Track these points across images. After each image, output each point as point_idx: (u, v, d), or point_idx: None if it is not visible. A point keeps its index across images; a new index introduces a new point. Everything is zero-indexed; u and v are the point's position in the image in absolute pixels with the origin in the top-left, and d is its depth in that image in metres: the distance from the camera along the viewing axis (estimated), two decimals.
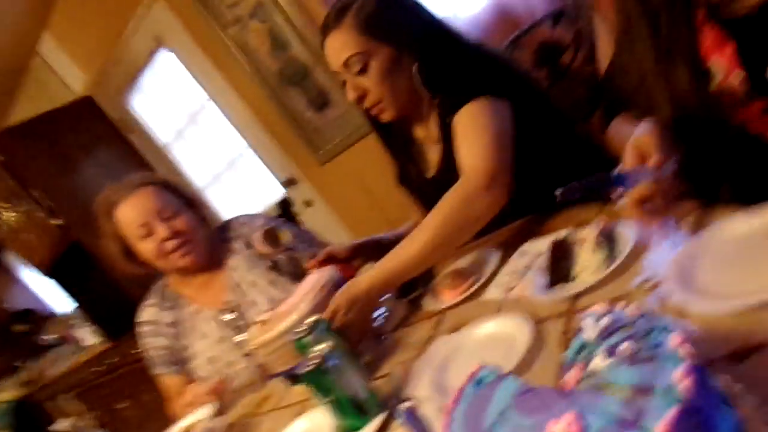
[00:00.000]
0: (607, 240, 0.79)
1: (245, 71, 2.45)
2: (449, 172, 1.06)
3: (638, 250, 0.73)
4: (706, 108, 0.73)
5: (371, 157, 1.66)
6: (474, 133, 1.01)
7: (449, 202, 0.97)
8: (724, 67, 0.71)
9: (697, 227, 0.70)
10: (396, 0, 1.13)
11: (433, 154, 1.20)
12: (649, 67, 0.75)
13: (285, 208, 2.75)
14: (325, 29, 1.12)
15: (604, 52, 0.89)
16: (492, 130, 1.01)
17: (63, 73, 3.21)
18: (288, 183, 2.75)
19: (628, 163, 0.70)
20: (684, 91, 0.72)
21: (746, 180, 0.76)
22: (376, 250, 1.24)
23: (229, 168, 3.08)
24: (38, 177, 2.91)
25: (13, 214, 3.20)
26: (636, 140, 0.71)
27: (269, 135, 2.63)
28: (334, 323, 0.94)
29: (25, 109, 3.55)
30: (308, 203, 2.75)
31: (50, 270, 3.50)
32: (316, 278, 1.08)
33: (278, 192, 2.85)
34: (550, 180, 0.83)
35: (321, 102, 2.36)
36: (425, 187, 1.22)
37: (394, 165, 1.30)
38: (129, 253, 1.36)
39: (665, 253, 0.68)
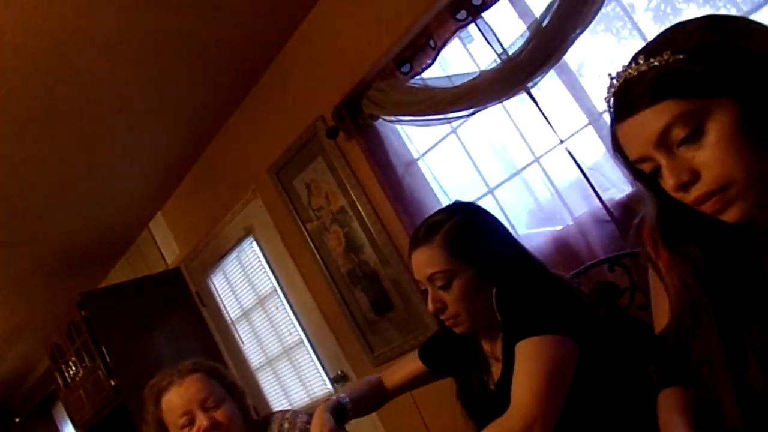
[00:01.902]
0: None
1: (318, 268, 2.64)
2: (506, 391, 1.07)
3: None
4: None
5: None
6: (530, 370, 1.03)
7: None
8: None
9: None
10: (484, 226, 1.22)
11: (495, 370, 1.22)
12: (717, 356, 0.71)
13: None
14: (415, 242, 1.20)
15: (659, 311, 0.87)
16: (548, 372, 1.02)
17: (163, 246, 3.60)
18: (338, 379, 2.74)
19: None
20: (757, 391, 0.67)
21: None
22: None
23: (284, 354, 3.14)
24: (111, 335, 3.08)
25: (77, 368, 3.34)
26: None
27: (328, 329, 2.72)
28: None
29: (123, 266, 3.92)
30: None
31: (88, 430, 3.49)
32: None
33: (326, 386, 2.83)
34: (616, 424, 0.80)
35: (383, 306, 2.46)
36: (484, 398, 1.23)
37: (455, 380, 1.32)
38: None
39: None
